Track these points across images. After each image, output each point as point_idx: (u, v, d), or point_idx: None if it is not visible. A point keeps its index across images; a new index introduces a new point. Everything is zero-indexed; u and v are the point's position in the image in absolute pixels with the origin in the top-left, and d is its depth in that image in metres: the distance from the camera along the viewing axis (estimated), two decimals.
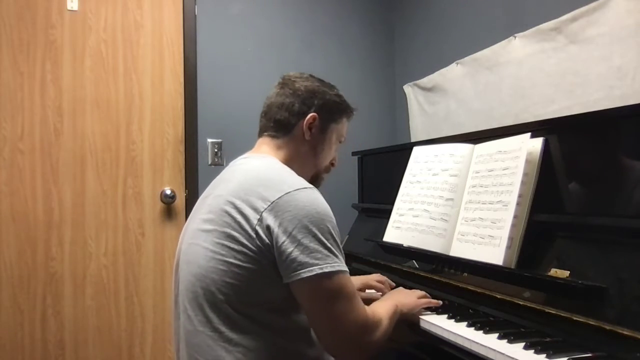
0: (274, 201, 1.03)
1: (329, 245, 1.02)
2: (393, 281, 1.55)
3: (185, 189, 2.46)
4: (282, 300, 1.06)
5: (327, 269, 1.00)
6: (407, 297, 1.27)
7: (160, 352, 2.42)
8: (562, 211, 1.25)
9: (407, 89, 2.69)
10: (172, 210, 2.45)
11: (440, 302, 1.30)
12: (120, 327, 2.37)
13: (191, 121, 2.47)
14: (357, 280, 1.49)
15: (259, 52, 2.59)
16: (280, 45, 2.63)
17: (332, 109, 1.25)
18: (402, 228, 1.66)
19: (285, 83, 1.25)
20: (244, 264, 1.03)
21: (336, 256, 1.03)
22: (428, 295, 1.32)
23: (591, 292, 1.02)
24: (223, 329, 1.04)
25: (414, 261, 1.62)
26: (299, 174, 1.18)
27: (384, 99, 2.87)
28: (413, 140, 2.61)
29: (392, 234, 1.70)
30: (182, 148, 2.47)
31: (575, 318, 1.02)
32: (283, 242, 1.00)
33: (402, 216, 1.69)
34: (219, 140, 2.51)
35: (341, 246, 1.07)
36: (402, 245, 1.61)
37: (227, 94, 2.53)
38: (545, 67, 1.79)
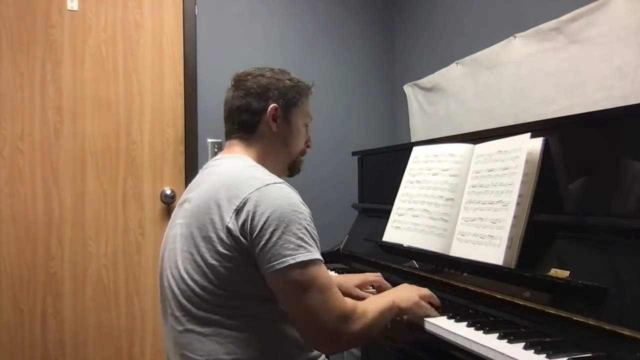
0: (244, 197, 1.05)
1: (300, 235, 1.03)
2: (393, 281, 1.55)
3: (185, 189, 2.46)
4: (266, 290, 1.07)
5: (299, 258, 1.01)
6: (408, 292, 1.26)
7: (160, 352, 2.42)
8: (562, 211, 1.25)
9: (407, 89, 2.69)
10: (172, 210, 2.44)
11: (439, 301, 1.29)
12: (120, 327, 2.37)
13: (191, 121, 2.47)
14: (355, 278, 1.49)
15: (259, 52, 2.59)
16: (280, 45, 2.63)
17: (289, 95, 1.25)
18: (402, 228, 1.66)
19: (237, 85, 1.25)
20: (224, 263, 1.05)
21: (309, 246, 1.04)
22: (433, 294, 1.30)
23: (591, 292, 1.02)
24: (212, 323, 1.06)
25: (414, 261, 1.62)
26: (275, 165, 1.24)
27: (384, 99, 2.87)
28: (413, 140, 2.61)
29: (392, 234, 1.70)
30: (182, 148, 2.47)
31: (575, 318, 1.02)
32: (256, 237, 1.03)
33: (401, 216, 1.68)
34: (219, 140, 2.51)
35: (316, 236, 1.08)
36: (402, 245, 1.61)
37: None
38: (545, 67, 1.79)
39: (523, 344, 0.99)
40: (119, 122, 2.39)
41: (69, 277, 2.30)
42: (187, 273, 1.09)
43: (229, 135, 1.27)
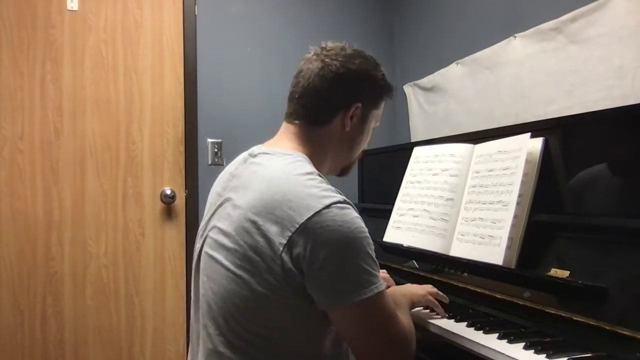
0: (302, 223, 0.90)
1: (366, 267, 0.92)
2: (393, 281, 1.55)
3: (185, 189, 2.46)
4: (302, 325, 0.98)
5: (368, 294, 0.91)
6: (415, 288, 1.26)
7: (160, 352, 2.42)
8: (562, 211, 1.25)
9: (407, 89, 2.69)
10: (172, 210, 2.45)
11: (447, 298, 1.29)
12: (120, 327, 2.37)
13: (191, 121, 2.47)
14: None
15: (259, 52, 2.59)
16: (280, 45, 2.63)
17: (376, 94, 1.11)
18: (402, 228, 1.66)
19: (325, 62, 1.07)
20: (265, 291, 0.92)
21: (375, 277, 0.93)
22: (438, 291, 1.29)
23: (591, 292, 1.02)
24: (242, 351, 0.96)
25: (414, 261, 1.62)
26: (330, 166, 1.12)
27: None
28: (413, 140, 2.61)
29: (392, 234, 1.70)
30: (182, 148, 2.47)
31: (575, 318, 1.02)
32: (316, 269, 0.90)
33: (402, 216, 1.68)
34: (219, 140, 2.51)
35: (376, 260, 0.96)
36: (402, 245, 1.61)
37: (227, 94, 2.53)
38: (545, 67, 1.79)
39: (523, 344, 0.99)
40: (119, 122, 2.39)
41: (69, 277, 2.30)
42: (227, 292, 0.96)
43: (289, 117, 1.09)
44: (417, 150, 1.76)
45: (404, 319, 1.03)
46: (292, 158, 1.02)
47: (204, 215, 1.12)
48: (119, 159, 2.38)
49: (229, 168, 1.11)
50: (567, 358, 0.92)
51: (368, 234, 0.95)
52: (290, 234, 0.90)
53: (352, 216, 0.94)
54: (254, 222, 0.93)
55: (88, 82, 2.35)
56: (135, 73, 2.41)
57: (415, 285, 1.30)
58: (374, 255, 0.95)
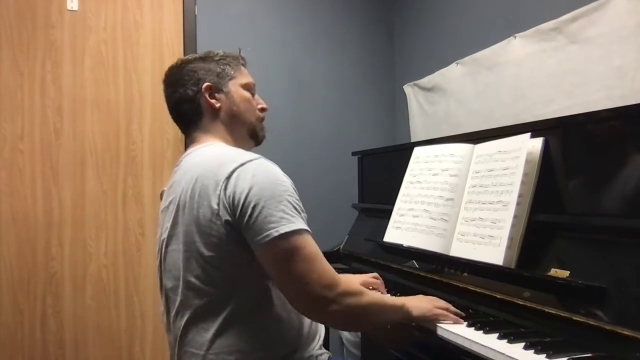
0: (226, 177, 1.04)
1: (282, 207, 1.02)
2: (393, 281, 1.55)
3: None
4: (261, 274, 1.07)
5: (283, 230, 1.00)
6: (423, 301, 1.22)
7: (160, 352, 2.42)
8: (562, 211, 1.25)
9: (407, 89, 2.69)
10: None
11: (458, 312, 1.22)
12: (120, 327, 2.37)
13: None
14: (355, 279, 1.49)
15: (259, 52, 2.59)
16: (280, 45, 2.63)
17: (218, 70, 1.24)
18: (403, 228, 1.66)
19: (166, 83, 1.25)
20: (220, 253, 1.05)
21: (291, 217, 1.03)
22: (450, 306, 1.23)
23: (591, 292, 1.02)
24: (213, 315, 1.07)
25: (414, 261, 1.62)
26: (238, 138, 1.24)
27: (384, 99, 2.87)
28: (413, 140, 2.61)
29: (393, 234, 1.70)
30: (182, 148, 2.47)
31: (575, 318, 1.02)
32: (239, 216, 1.02)
33: (402, 216, 1.69)
34: None
35: (300, 207, 1.07)
36: (402, 245, 1.61)
37: None
38: (545, 67, 1.79)
39: (523, 344, 0.99)
40: (119, 122, 2.39)
41: (69, 277, 2.30)
42: (188, 271, 1.09)
43: (187, 132, 1.25)
44: (417, 151, 1.76)
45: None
46: (208, 146, 1.18)
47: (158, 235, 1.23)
48: (119, 159, 2.38)
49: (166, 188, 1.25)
50: (567, 358, 0.92)
51: (287, 184, 1.07)
52: (218, 192, 1.04)
53: (269, 167, 1.08)
54: (192, 198, 1.08)
55: (88, 82, 2.35)
56: (135, 73, 2.41)
57: (424, 298, 1.26)
58: (293, 201, 1.05)
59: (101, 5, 2.37)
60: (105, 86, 2.37)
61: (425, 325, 1.21)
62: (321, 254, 1.06)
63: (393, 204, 1.75)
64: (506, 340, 1.03)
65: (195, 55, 1.28)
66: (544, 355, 0.94)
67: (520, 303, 1.16)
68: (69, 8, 2.32)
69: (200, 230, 1.06)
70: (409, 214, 1.66)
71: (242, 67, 1.29)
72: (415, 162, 1.75)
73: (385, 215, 1.78)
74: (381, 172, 2.19)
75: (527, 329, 1.11)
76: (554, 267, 1.14)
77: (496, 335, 1.06)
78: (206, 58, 1.26)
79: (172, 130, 2.46)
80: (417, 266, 1.59)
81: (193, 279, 1.08)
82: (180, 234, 1.10)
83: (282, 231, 1.00)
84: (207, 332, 1.07)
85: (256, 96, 1.30)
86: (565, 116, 1.46)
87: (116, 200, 2.37)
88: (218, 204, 1.04)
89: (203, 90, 1.21)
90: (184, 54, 2.46)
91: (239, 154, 1.10)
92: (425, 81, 2.52)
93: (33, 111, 2.28)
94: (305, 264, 1.02)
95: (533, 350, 0.96)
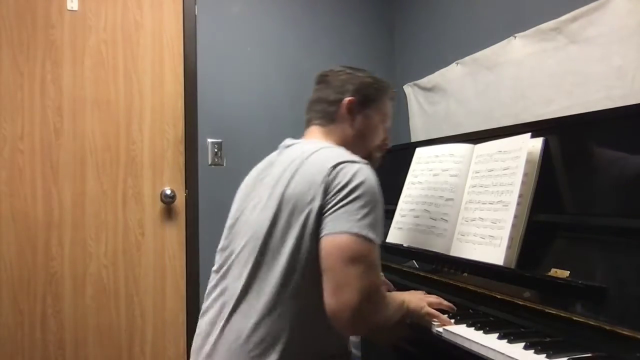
0: (333, 166, 1.07)
1: (377, 219, 1.05)
2: (393, 281, 1.55)
3: (185, 189, 2.46)
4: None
5: (366, 233, 1.02)
6: (415, 296, 1.25)
7: (160, 352, 2.42)
8: (562, 211, 1.25)
9: (407, 89, 2.69)
10: (172, 210, 2.45)
11: (452, 306, 1.26)
12: (120, 327, 2.37)
13: (191, 121, 2.47)
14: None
15: (259, 52, 2.59)
16: (280, 45, 2.63)
17: (367, 90, 1.29)
18: (404, 229, 1.67)
19: (318, 81, 1.33)
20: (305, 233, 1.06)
21: (378, 231, 1.05)
22: (443, 300, 1.27)
23: (591, 292, 1.03)
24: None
25: (414, 261, 1.62)
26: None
27: None
28: (413, 140, 2.61)
29: (395, 235, 1.70)
30: (182, 148, 2.47)
31: (575, 318, 1.02)
32: (336, 193, 1.04)
33: (404, 217, 1.69)
34: (219, 140, 2.51)
35: (381, 229, 1.08)
36: (402, 245, 1.62)
37: (227, 94, 2.53)
38: (545, 67, 1.79)
39: (523, 344, 0.99)
40: (119, 122, 2.39)
41: (69, 277, 2.30)
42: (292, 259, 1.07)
43: (309, 123, 1.31)
44: (419, 151, 1.76)
45: (391, 302, 1.12)
46: (320, 142, 1.22)
47: (236, 204, 1.26)
48: (119, 159, 2.38)
49: (264, 162, 1.28)
50: (567, 358, 0.92)
51: (381, 199, 1.09)
52: (321, 180, 1.06)
53: (372, 176, 1.10)
54: (304, 182, 1.09)
55: (88, 82, 2.35)
56: (135, 73, 2.41)
57: (416, 294, 1.28)
58: (379, 216, 1.07)
59: (101, 5, 2.36)
60: (105, 86, 2.37)
61: (421, 323, 1.21)
62: (379, 269, 1.08)
63: (393, 203, 1.75)
64: (506, 340, 1.03)
65: (352, 68, 1.33)
66: (544, 355, 0.94)
67: (520, 303, 1.16)
68: (69, 8, 2.32)
69: (295, 210, 1.07)
70: (410, 214, 1.66)
71: (389, 100, 1.35)
72: (417, 162, 1.75)
73: (385, 215, 1.78)
74: (381, 172, 2.19)
75: (527, 329, 1.11)
76: (554, 267, 1.14)
77: (496, 335, 1.06)
78: (360, 75, 1.31)
79: (172, 130, 2.46)
80: (417, 266, 1.59)
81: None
82: (273, 206, 1.11)
83: (364, 233, 1.02)
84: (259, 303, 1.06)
85: (386, 133, 1.36)
86: (565, 116, 1.47)
87: (116, 200, 2.37)
88: (321, 185, 1.06)
89: (346, 101, 1.26)
90: (184, 54, 2.47)
91: (352, 154, 1.14)
92: (426, 81, 2.52)
93: (33, 111, 2.28)
94: (361, 269, 1.01)
95: (533, 350, 0.96)
